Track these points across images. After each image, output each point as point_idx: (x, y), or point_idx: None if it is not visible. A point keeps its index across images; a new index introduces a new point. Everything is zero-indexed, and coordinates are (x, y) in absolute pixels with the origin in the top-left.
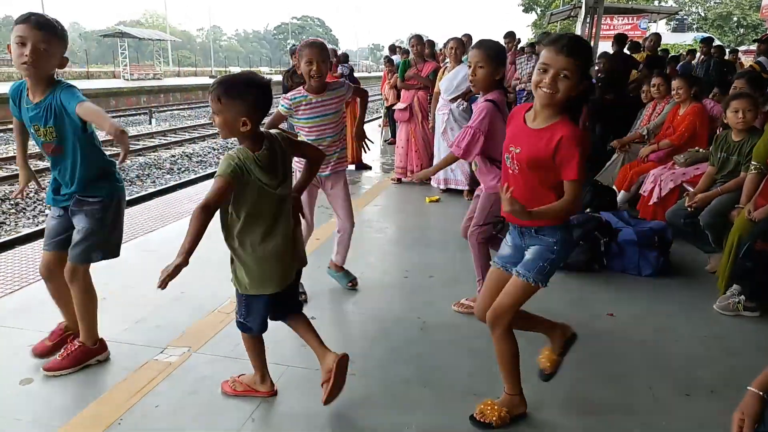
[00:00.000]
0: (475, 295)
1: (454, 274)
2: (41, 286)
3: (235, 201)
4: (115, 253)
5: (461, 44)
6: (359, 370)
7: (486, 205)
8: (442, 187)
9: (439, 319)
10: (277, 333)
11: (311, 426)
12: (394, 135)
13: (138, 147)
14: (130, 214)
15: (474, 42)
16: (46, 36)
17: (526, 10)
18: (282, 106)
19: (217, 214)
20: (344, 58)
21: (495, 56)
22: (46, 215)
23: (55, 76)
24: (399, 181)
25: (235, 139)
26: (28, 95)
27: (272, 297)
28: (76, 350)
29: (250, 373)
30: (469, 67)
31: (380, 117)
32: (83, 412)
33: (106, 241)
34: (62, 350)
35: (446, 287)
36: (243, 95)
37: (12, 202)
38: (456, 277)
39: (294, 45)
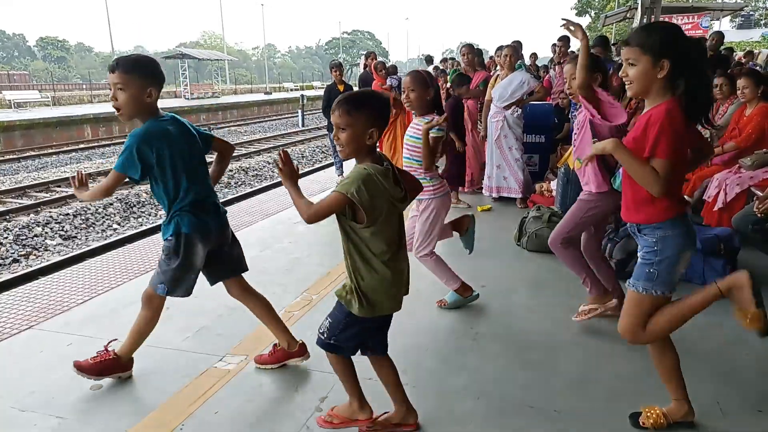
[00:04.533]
0: (586, 300)
1: (507, 283)
2: (110, 297)
3: (368, 216)
4: (180, 292)
5: (515, 51)
6: (412, 381)
7: (577, 212)
8: (494, 195)
9: (492, 330)
10: None
11: None
12: None
13: None
14: None
15: (522, 49)
16: (121, 77)
17: (580, 14)
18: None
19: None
20: (393, 70)
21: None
22: (114, 230)
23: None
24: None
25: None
26: None
27: (374, 323)
28: (107, 362)
29: (344, 403)
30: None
31: None
32: (148, 416)
33: (172, 279)
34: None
35: (499, 297)
36: (371, 106)
37: (82, 218)
38: (509, 287)
39: (334, 60)
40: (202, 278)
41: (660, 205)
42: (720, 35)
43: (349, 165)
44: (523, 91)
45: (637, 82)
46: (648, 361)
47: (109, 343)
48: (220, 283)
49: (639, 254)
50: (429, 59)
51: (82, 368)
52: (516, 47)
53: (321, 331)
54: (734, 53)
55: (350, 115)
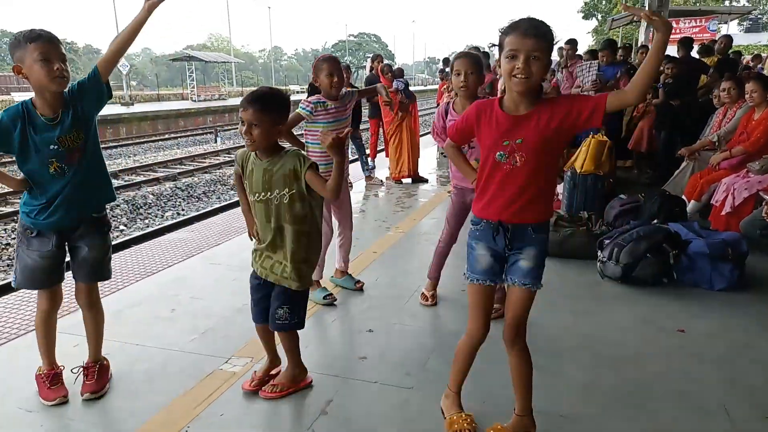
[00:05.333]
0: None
1: None
2: (116, 298)
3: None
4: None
5: None
6: (416, 384)
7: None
8: None
9: (497, 333)
10: (334, 347)
11: None
12: None
13: (204, 165)
14: (198, 228)
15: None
16: (61, 47)
17: (586, 17)
18: (304, 109)
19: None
20: (399, 72)
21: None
22: (121, 231)
23: None
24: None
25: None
26: (40, 114)
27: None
28: (103, 370)
29: (283, 371)
30: (458, 74)
31: None
32: (153, 418)
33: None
34: (88, 376)
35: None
36: (279, 104)
37: None
38: None
39: (342, 63)
40: (200, 280)
41: (551, 198)
42: (729, 39)
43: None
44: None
45: (537, 77)
46: (654, 368)
47: (89, 363)
48: (223, 286)
49: (531, 256)
50: (446, 61)
51: (98, 390)
52: None
53: (284, 319)
54: (742, 57)
55: (263, 113)
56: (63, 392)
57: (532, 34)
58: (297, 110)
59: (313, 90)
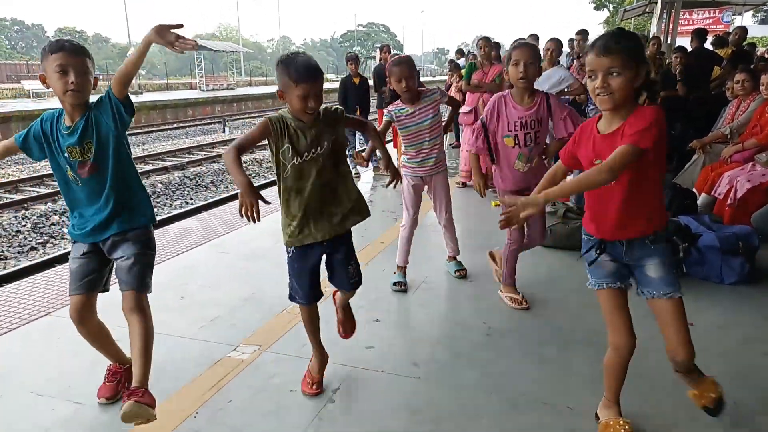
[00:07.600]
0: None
1: (521, 279)
2: None
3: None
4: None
5: (558, 45)
6: (424, 375)
7: None
8: None
9: (506, 325)
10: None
11: (376, 426)
12: (458, 138)
13: (213, 154)
14: (206, 217)
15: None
16: (85, 60)
17: (598, 8)
18: (386, 115)
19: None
20: None
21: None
22: None
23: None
24: (464, 185)
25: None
26: (63, 122)
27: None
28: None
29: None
30: (516, 65)
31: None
32: (162, 404)
33: (152, 267)
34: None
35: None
36: None
37: None
38: (523, 282)
39: (350, 53)
40: (209, 269)
41: (663, 203)
42: (743, 30)
43: None
44: (560, 88)
45: (620, 93)
46: (660, 360)
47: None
48: (232, 274)
49: (660, 263)
50: (461, 52)
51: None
52: (560, 42)
53: (356, 275)
54: (756, 49)
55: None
56: (109, 393)
57: (606, 51)
58: (385, 117)
59: (393, 95)
